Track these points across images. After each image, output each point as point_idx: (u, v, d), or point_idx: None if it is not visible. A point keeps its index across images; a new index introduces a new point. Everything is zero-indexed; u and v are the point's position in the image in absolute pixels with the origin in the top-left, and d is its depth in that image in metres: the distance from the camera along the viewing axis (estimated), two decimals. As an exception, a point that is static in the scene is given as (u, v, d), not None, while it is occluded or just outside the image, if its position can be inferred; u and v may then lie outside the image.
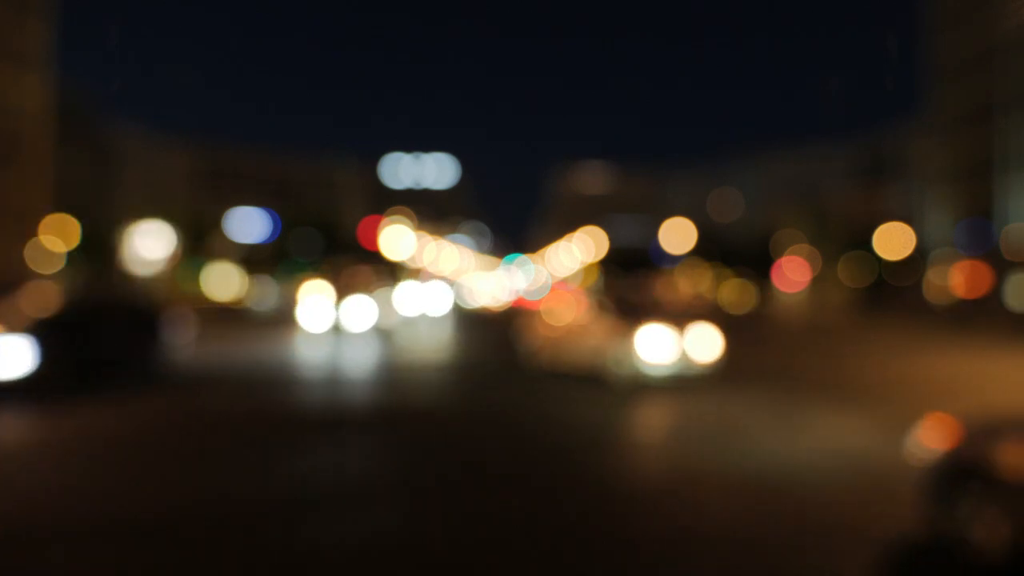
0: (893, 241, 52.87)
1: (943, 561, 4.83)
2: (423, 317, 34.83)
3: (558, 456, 7.72)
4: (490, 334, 25.11)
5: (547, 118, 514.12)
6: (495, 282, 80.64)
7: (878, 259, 54.15)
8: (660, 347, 12.21)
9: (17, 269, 43.26)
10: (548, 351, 14.68)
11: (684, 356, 12.30)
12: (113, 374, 12.25)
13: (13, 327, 10.36)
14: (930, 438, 5.31)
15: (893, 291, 52.97)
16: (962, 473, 4.85)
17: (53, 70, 50.94)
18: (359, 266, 38.17)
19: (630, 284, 51.69)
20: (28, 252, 45.44)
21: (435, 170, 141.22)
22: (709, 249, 68.58)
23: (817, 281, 59.25)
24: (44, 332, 10.57)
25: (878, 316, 40.55)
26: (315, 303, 25.09)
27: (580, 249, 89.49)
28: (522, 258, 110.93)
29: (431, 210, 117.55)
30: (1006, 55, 47.70)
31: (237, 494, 6.13)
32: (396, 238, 70.70)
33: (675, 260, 68.80)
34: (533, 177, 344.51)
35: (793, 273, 60.30)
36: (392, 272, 48.18)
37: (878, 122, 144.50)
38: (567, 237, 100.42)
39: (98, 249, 52.19)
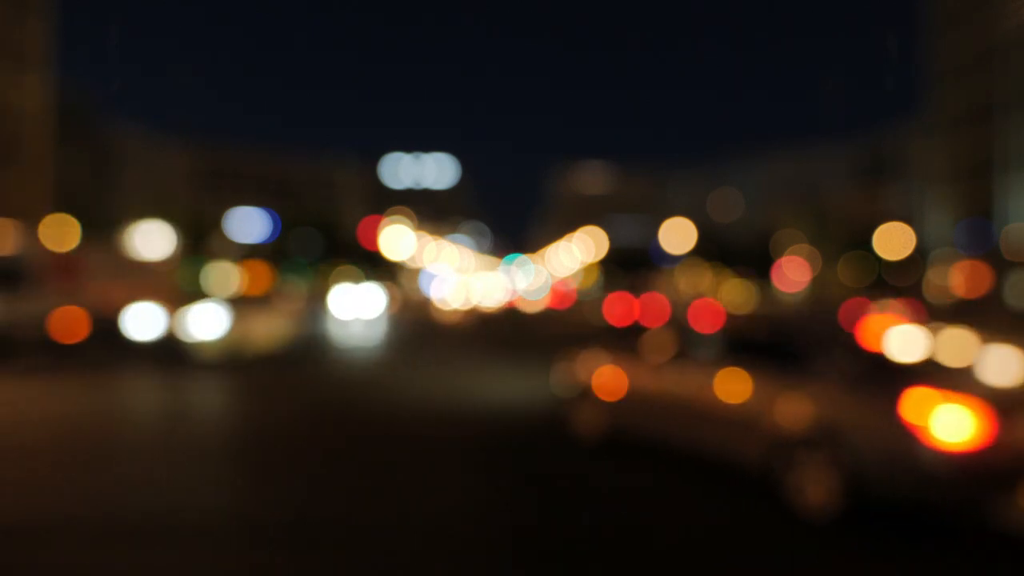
0: (893, 241, 52.83)
1: (567, 442, 8.22)
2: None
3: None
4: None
5: (548, 118, 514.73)
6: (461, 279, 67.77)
7: (878, 259, 54.10)
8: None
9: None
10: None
11: None
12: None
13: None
14: (569, 371, 8.65)
15: (893, 291, 52.95)
16: (579, 390, 8.33)
17: (53, 70, 50.95)
18: None
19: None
20: (28, 252, 45.43)
21: (435, 170, 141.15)
22: (709, 249, 68.46)
23: (817, 281, 59.22)
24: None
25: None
26: None
27: (580, 249, 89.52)
28: (522, 258, 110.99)
29: (431, 210, 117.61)
30: (1006, 55, 47.68)
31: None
32: (396, 238, 70.79)
33: (675, 260, 68.78)
34: (533, 177, 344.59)
35: (793, 273, 60.27)
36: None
37: (878, 122, 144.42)
38: (567, 237, 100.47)
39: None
